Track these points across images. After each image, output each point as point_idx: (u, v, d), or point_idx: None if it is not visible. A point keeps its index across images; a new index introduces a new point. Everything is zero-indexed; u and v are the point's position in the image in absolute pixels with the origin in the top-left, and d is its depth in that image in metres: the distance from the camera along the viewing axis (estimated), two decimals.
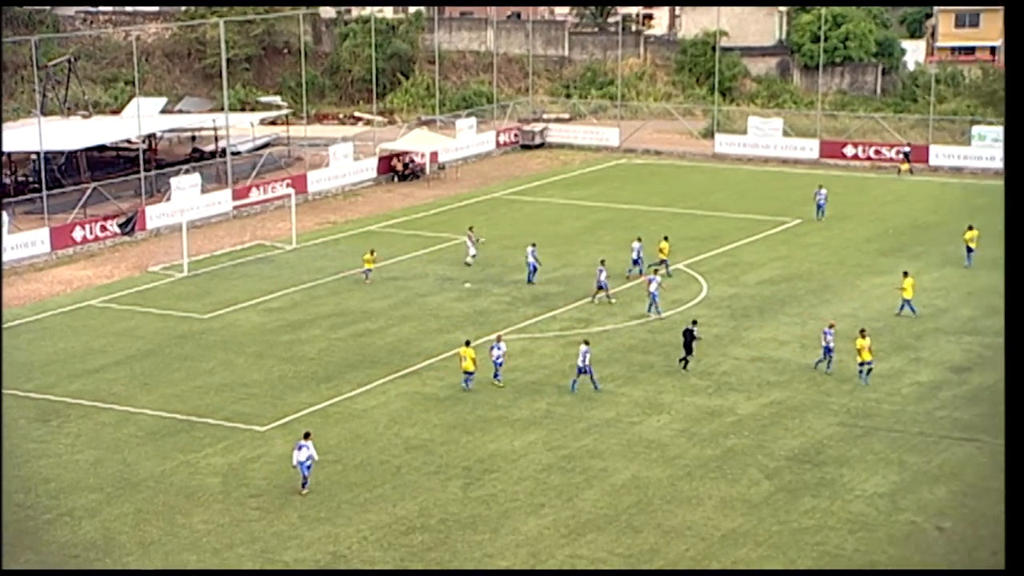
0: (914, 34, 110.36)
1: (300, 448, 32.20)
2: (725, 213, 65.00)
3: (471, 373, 39.43)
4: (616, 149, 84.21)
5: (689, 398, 38.73)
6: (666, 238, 52.98)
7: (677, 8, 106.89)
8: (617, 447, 35.10)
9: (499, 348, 39.51)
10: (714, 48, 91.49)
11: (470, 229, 55.99)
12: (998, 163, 74.55)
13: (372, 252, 53.15)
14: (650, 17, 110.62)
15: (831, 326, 40.64)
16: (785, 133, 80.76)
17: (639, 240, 53.06)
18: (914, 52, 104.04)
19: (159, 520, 30.97)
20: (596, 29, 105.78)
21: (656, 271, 50.22)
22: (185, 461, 34.59)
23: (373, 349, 44.00)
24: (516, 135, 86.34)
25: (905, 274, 46.99)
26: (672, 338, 43.74)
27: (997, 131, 75.59)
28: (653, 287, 46.48)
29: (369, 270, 52.15)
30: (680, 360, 41.21)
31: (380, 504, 31.80)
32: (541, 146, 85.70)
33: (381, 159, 75.65)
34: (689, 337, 40.91)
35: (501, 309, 48.39)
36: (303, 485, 32.27)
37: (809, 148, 79.72)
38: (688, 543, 29.31)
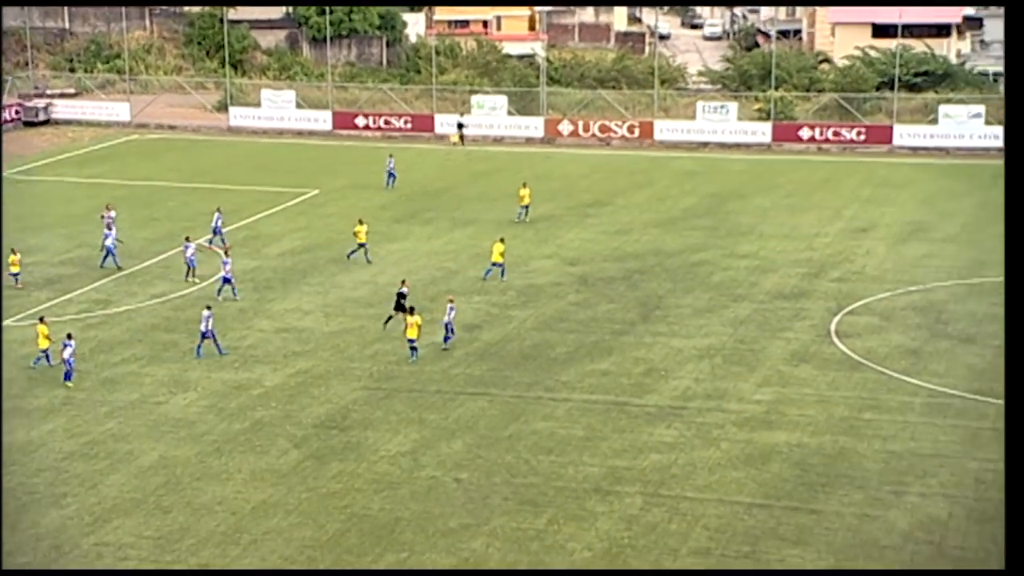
0: (413, 8, 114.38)
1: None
2: (243, 186, 65.01)
3: (45, 350, 38.71)
4: (128, 124, 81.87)
5: (216, 374, 38.75)
6: (361, 221, 51.67)
7: None
8: (143, 428, 34.63)
9: (70, 346, 37.80)
10: (221, 20, 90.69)
11: (107, 207, 53.05)
12: (497, 130, 79.21)
13: (15, 252, 47.64)
14: None
15: (451, 301, 41.50)
16: (298, 105, 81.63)
17: (219, 210, 53.08)
18: (415, 25, 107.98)
19: None
20: None
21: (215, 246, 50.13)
22: None
23: None
24: (18, 112, 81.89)
25: (501, 240, 48.95)
26: (194, 315, 43.49)
27: (495, 100, 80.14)
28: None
29: (16, 273, 47.16)
30: (387, 320, 42.33)
31: None
32: (46, 123, 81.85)
33: None
34: (400, 298, 42.04)
35: (12, 295, 46.11)
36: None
37: (323, 120, 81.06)
38: (219, 519, 29.51)
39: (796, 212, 60.03)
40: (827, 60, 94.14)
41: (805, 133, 76.72)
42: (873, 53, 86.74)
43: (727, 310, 44.76)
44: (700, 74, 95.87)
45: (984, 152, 72.55)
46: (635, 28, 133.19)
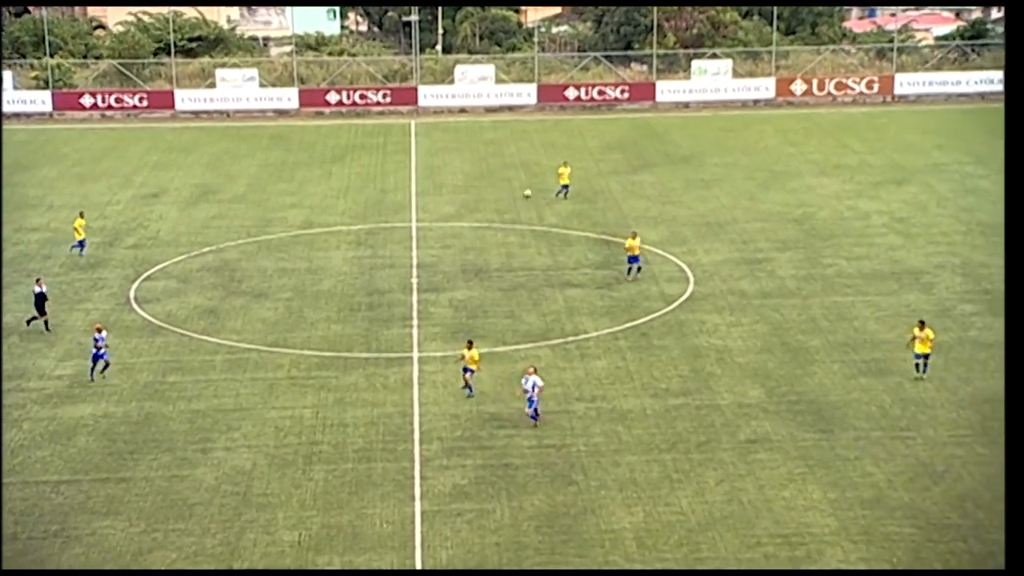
0: None
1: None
2: None
3: None
4: None
5: None
6: (82, 214, 48.88)
7: None
8: None
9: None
10: None
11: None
12: None
13: None
14: None
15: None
16: None
17: None
18: None
19: None
20: None
21: None
22: None
23: None
24: None
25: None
26: None
27: None
28: None
29: None
30: (30, 321, 39.36)
31: None
32: None
33: None
34: (42, 299, 39.47)
35: None
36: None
37: None
38: None
39: (85, 181, 59.26)
40: (102, 26, 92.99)
41: (87, 100, 75.55)
42: (147, 19, 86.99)
43: (21, 286, 43.35)
44: None
45: (261, 114, 75.78)
46: None
